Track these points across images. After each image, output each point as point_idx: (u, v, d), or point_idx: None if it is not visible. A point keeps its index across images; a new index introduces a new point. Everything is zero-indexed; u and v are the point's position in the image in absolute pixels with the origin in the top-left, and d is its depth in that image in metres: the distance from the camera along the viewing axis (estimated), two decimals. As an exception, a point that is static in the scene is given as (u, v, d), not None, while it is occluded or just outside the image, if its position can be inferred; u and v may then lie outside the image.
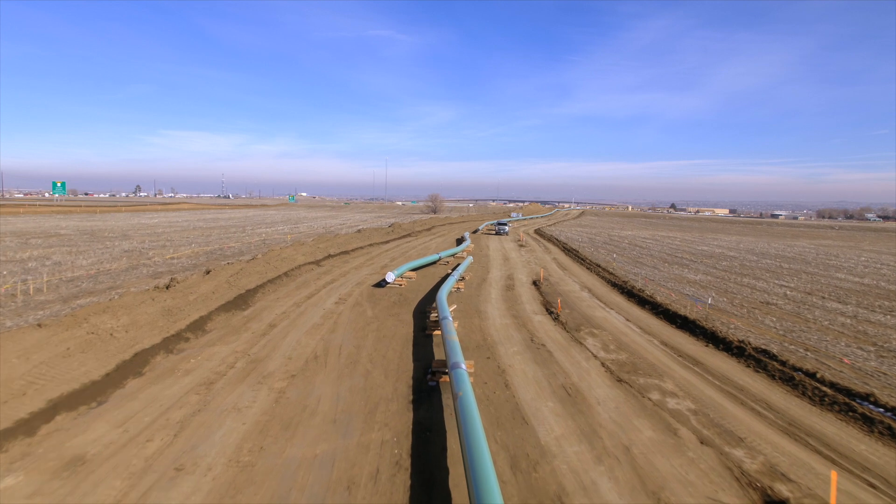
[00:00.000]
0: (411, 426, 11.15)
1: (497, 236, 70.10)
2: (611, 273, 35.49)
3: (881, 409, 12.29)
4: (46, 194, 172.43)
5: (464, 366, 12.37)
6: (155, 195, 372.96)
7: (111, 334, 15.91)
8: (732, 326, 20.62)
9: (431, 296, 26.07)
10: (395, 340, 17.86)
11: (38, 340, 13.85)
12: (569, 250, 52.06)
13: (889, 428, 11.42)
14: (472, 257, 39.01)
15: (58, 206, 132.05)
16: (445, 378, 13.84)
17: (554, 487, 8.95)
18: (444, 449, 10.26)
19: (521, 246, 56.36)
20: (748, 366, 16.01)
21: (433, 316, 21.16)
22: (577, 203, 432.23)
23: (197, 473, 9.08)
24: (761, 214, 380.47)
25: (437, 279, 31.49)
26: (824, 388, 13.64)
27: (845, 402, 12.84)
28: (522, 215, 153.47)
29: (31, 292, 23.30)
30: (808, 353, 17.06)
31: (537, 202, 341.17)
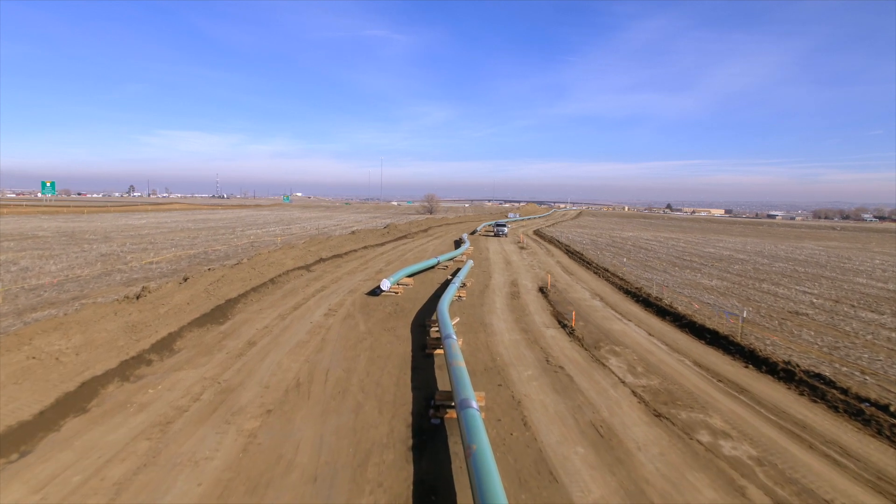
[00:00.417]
0: (412, 486, 8.85)
1: (496, 238, 67.83)
2: (621, 278, 33.26)
3: None
4: (39, 194, 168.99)
5: (475, 403, 10.10)
6: (149, 195, 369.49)
7: (57, 358, 13.54)
8: (769, 342, 18.40)
9: (430, 305, 23.78)
10: (392, 362, 15.54)
11: (-42, 370, 11.48)
12: (572, 253, 49.84)
13: None
14: (472, 261, 36.74)
15: (45, 206, 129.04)
16: (451, 414, 11.56)
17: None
18: (455, 522, 7.97)
19: (522, 248, 54.13)
20: (801, 394, 13.77)
21: (434, 331, 18.90)
22: (573, 203, 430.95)
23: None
24: (757, 215, 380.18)
25: (437, 285, 29.20)
26: (904, 426, 11.42)
27: (936, 445, 10.62)
28: (520, 216, 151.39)
29: (-16, 303, 20.88)
30: (867, 378, 14.84)
31: (534, 202, 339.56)
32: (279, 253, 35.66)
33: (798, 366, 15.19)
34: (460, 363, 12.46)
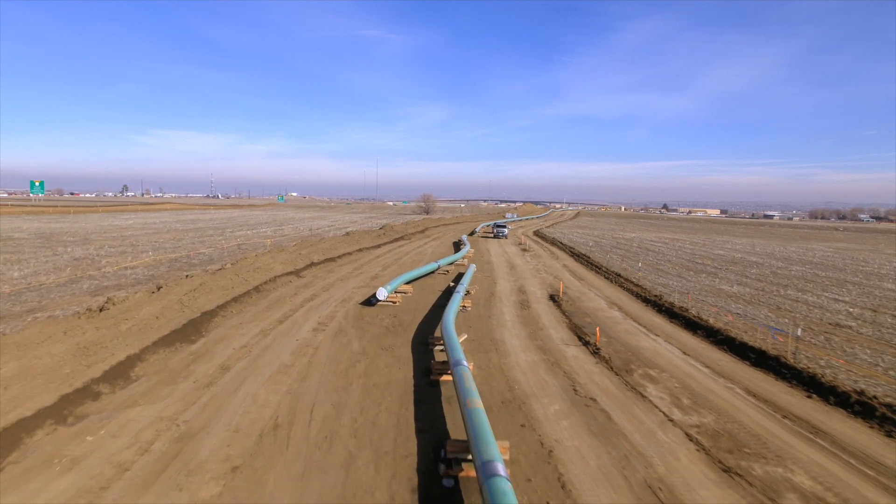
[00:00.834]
0: None
1: (496, 239, 65.29)
2: (635, 284, 30.83)
3: None
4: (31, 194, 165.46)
5: (502, 467, 7.61)
6: (142, 195, 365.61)
7: (-24, 396, 10.95)
8: (823, 363, 15.98)
9: (433, 316, 21.29)
10: (390, 392, 13.02)
11: None
12: (578, 255, 47.41)
13: None
14: (474, 265, 34.23)
15: (32, 206, 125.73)
16: (468, 471, 9.07)
17: None
18: None
19: (525, 251, 51.67)
20: (891, 435, 11.32)
21: (438, 350, 16.42)
22: (569, 203, 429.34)
23: None
24: (753, 215, 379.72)
25: (438, 293, 26.70)
26: None
27: None
28: (517, 216, 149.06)
29: (-78, 318, 18.24)
30: (961, 413, 12.41)
31: (530, 202, 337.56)
32: (267, 257, 33.07)
33: (875, 397, 12.75)
34: (476, 403, 9.96)
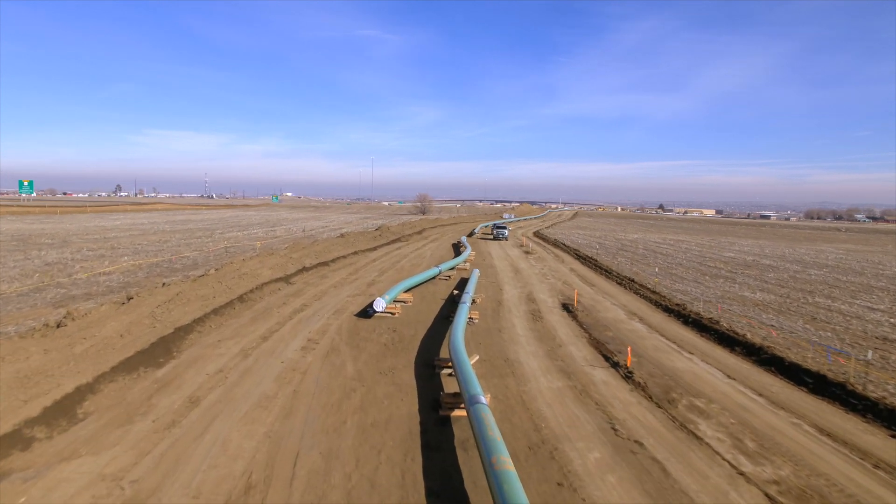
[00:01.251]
0: None
1: (496, 241, 62.88)
2: (652, 291, 28.63)
3: None
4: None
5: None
6: (136, 195, 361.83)
7: None
8: (892, 389, 13.77)
9: (437, 330, 19.02)
10: (392, 434, 10.72)
11: None
12: (584, 258, 45.18)
13: None
14: (477, 270, 31.92)
15: (18, 206, 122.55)
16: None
17: None
18: None
19: (528, 253, 49.41)
20: None
21: (447, 374, 14.19)
22: (565, 203, 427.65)
23: None
24: (749, 215, 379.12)
25: (440, 301, 24.45)
26: None
27: None
28: (515, 216, 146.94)
29: None
30: None
31: (527, 202, 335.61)
32: (255, 261, 30.68)
33: (980, 439, 10.52)
34: (506, 464, 7.70)
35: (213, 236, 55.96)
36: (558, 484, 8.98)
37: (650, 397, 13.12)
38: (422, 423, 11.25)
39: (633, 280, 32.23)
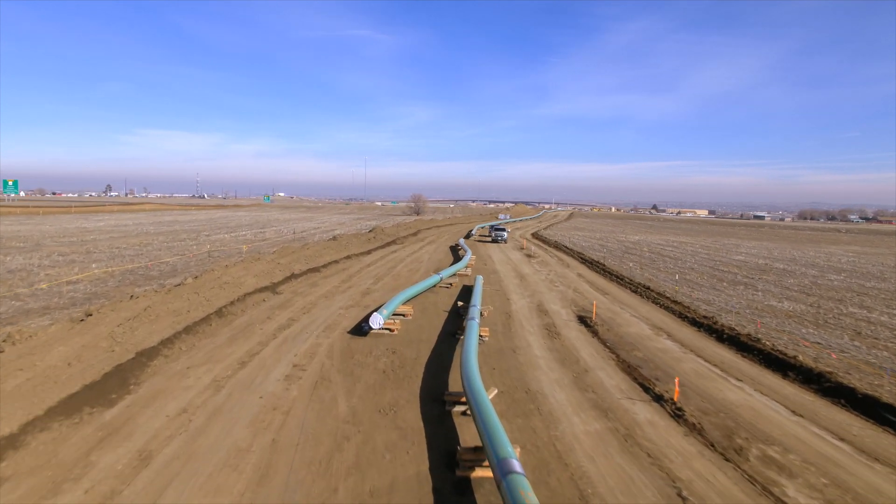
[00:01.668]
0: None
1: (495, 244, 60.18)
2: (672, 300, 26.30)
3: None
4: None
5: None
6: (126, 195, 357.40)
7: None
8: None
9: (442, 350, 16.56)
10: (397, 508, 8.23)
11: None
12: (590, 262, 42.78)
13: None
14: (481, 277, 29.42)
15: (1, 206, 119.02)
16: None
17: None
18: None
19: (530, 257, 47.00)
20: None
21: (459, 413, 11.70)
22: (558, 203, 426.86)
23: None
24: (742, 215, 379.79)
25: (443, 314, 22.02)
26: None
27: None
28: (510, 217, 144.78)
29: None
30: None
31: (521, 203, 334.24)
32: (238, 268, 28.08)
33: None
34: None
35: (198, 239, 53.19)
36: None
37: (712, 445, 10.70)
38: (435, 491, 8.77)
39: (648, 287, 29.88)
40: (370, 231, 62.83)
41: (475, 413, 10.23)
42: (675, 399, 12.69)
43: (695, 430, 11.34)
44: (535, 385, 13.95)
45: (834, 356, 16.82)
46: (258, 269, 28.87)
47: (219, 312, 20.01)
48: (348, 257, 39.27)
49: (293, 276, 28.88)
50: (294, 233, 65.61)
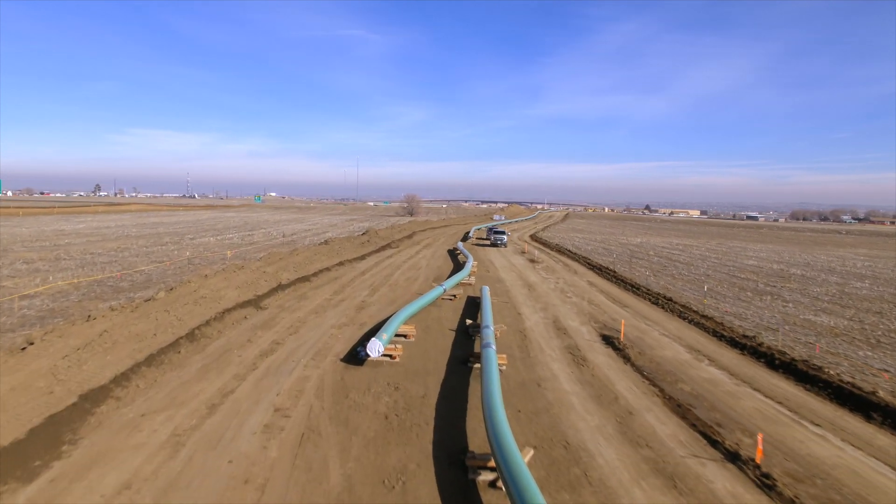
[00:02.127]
0: None
1: (494, 247, 57.31)
2: (699, 314, 23.80)
3: None
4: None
5: None
6: (115, 195, 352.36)
7: None
8: None
9: (455, 386, 13.91)
10: None
11: None
12: (598, 268, 40.21)
13: None
14: (487, 287, 26.69)
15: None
16: None
17: None
18: None
19: (533, 262, 44.39)
20: None
21: (487, 485, 9.01)
22: (551, 204, 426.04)
23: None
24: (734, 216, 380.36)
25: (450, 334, 19.37)
26: None
27: None
28: (505, 217, 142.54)
29: None
30: None
31: (514, 203, 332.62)
32: (219, 278, 25.27)
33: None
34: None
35: (181, 243, 50.15)
36: None
37: (825, 535, 8.05)
38: None
39: (670, 299, 27.33)
40: (363, 234, 60.02)
41: (510, 489, 7.64)
42: (758, 460, 10.04)
43: (793, 507, 8.71)
44: (575, 436, 11.28)
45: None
46: (241, 280, 26.05)
47: (191, 335, 17.20)
48: (341, 263, 36.48)
49: (280, 288, 26.07)
50: (283, 236, 62.65)
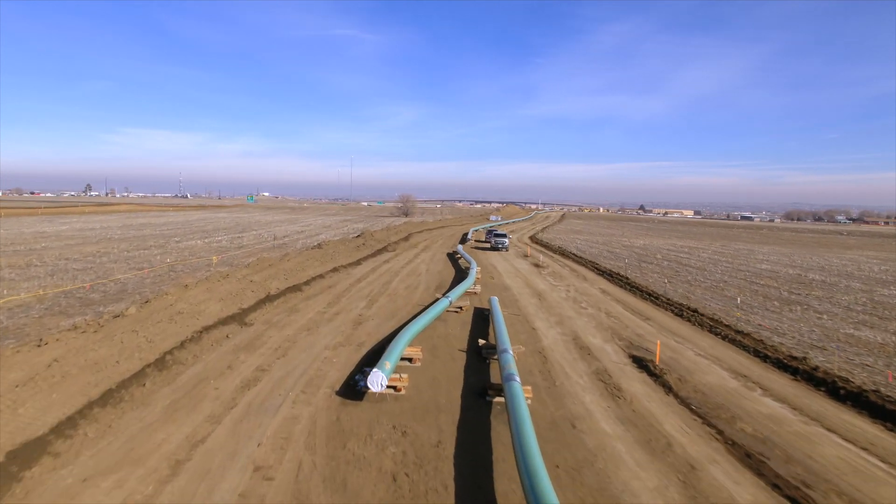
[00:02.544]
0: None
1: (494, 250, 54.84)
2: (732, 329, 21.55)
3: None
4: None
5: None
6: (107, 194, 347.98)
7: None
8: None
9: (474, 427, 11.58)
10: None
11: None
12: (610, 275, 37.90)
13: None
14: (496, 299, 24.30)
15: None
16: None
17: None
18: None
19: (538, 266, 42.08)
20: None
21: None
22: (544, 204, 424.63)
23: None
24: (728, 216, 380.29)
25: (461, 356, 17.01)
26: None
27: None
28: (501, 218, 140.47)
29: None
30: None
31: (509, 203, 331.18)
32: (201, 289, 22.79)
33: None
34: None
35: (166, 246, 47.50)
36: None
37: None
38: None
39: (695, 310, 25.07)
40: (358, 236, 57.55)
41: None
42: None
43: None
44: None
45: None
46: (225, 290, 23.57)
47: (160, 362, 14.75)
48: (335, 270, 34.03)
49: (268, 299, 23.62)
50: (275, 238, 60.03)
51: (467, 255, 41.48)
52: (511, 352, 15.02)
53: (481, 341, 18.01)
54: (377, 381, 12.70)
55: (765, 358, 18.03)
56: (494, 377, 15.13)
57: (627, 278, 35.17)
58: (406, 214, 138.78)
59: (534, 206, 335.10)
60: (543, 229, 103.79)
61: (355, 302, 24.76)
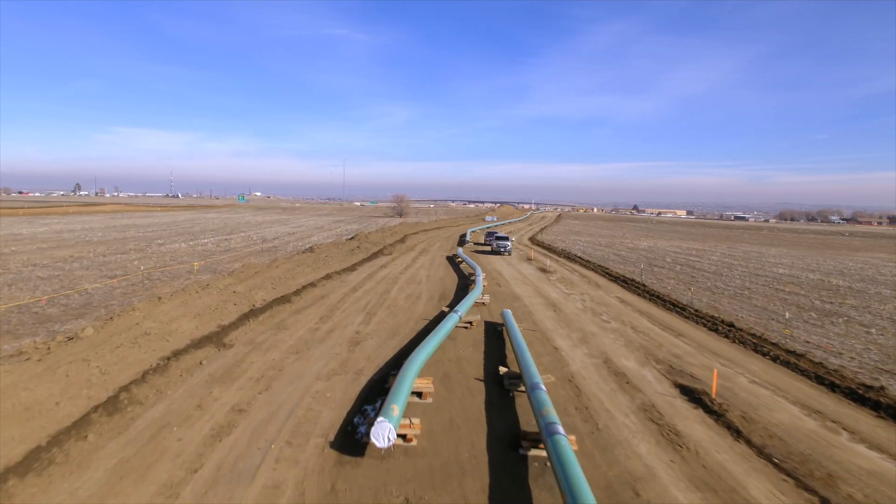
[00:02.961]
0: None
1: (495, 254, 51.77)
2: (782, 348, 18.97)
3: None
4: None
5: None
6: (96, 194, 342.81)
7: None
8: None
9: (508, 495, 8.79)
10: None
11: None
12: (623, 281, 35.25)
13: None
14: (509, 311, 21.58)
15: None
16: None
17: None
18: None
19: (545, 271, 39.43)
20: None
21: None
22: (538, 204, 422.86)
23: None
24: (721, 216, 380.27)
25: (477, 386, 14.30)
26: None
27: None
28: (497, 218, 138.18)
29: None
30: None
31: (503, 203, 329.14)
32: (175, 302, 19.96)
33: None
34: None
35: (147, 250, 44.44)
36: None
37: None
38: None
39: (731, 324, 22.48)
40: (352, 238, 54.73)
41: None
42: None
43: None
44: None
45: None
46: (203, 304, 20.75)
47: (112, 403, 11.91)
48: (328, 276, 31.21)
49: (252, 313, 20.79)
50: (264, 241, 57.01)
51: (470, 260, 38.79)
52: (543, 387, 12.29)
53: (502, 369, 15.28)
54: (383, 434, 9.93)
55: (832, 387, 15.42)
56: (524, 418, 12.43)
57: (644, 285, 32.57)
58: (400, 215, 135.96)
59: (528, 206, 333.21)
60: (542, 230, 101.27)
61: (351, 316, 21.97)
